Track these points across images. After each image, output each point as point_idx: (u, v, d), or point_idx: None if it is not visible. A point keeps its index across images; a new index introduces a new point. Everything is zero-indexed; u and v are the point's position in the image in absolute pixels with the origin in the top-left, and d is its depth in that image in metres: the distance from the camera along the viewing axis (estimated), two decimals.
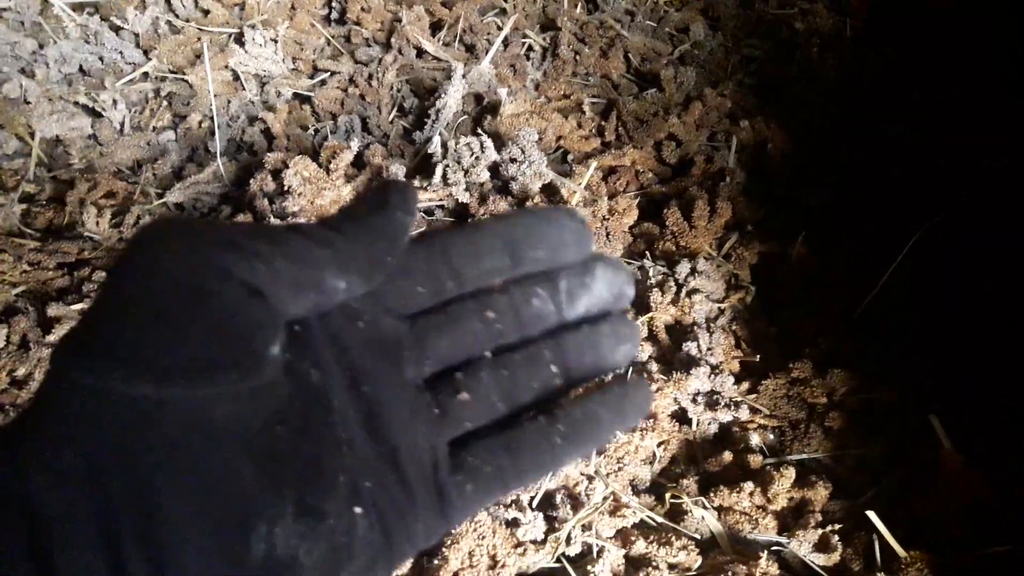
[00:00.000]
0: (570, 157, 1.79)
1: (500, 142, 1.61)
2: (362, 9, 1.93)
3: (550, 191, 1.57)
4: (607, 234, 1.56)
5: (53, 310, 1.36)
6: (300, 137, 1.76)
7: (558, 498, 1.23)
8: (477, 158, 1.56)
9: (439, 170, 1.55)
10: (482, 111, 1.75)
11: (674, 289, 1.48)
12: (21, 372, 1.33)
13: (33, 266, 1.43)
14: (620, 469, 1.26)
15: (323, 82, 1.85)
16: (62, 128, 1.68)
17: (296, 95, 1.84)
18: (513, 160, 1.55)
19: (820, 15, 2.14)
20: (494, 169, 1.59)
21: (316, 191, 1.51)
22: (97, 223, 1.51)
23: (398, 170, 1.56)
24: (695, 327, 1.44)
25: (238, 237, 0.40)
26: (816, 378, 1.40)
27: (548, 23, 2.09)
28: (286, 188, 1.49)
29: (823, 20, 2.14)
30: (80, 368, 0.36)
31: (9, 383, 1.32)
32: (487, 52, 1.92)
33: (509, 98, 1.69)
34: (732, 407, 1.35)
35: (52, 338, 1.34)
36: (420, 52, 1.94)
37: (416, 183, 1.57)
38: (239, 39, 1.84)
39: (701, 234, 1.59)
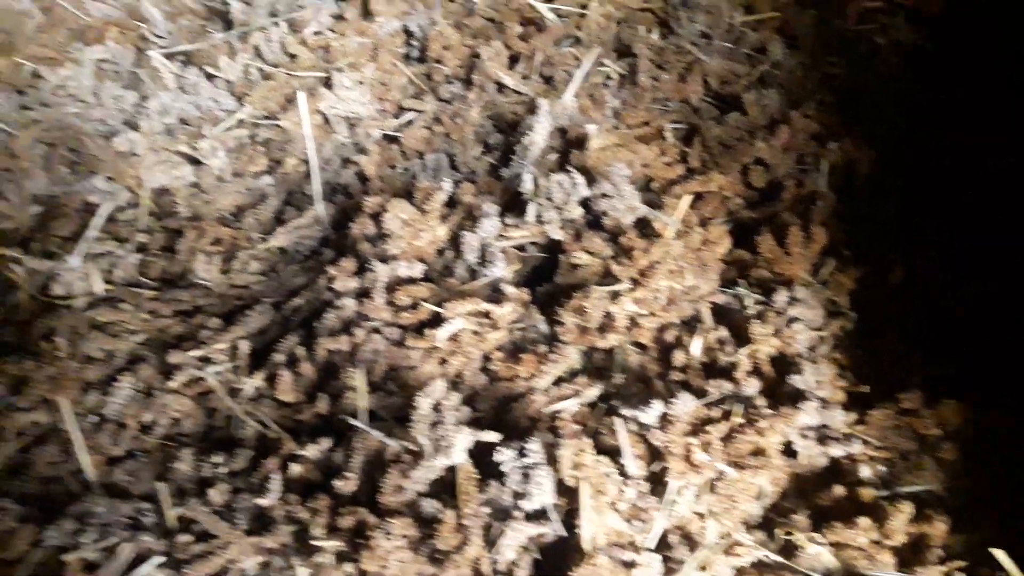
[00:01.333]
0: (654, 184, 1.80)
1: (589, 176, 1.63)
2: (443, 47, 1.97)
3: (642, 224, 1.57)
4: (701, 265, 1.56)
5: (174, 357, 1.42)
6: (391, 177, 1.80)
7: (673, 538, 1.24)
8: (568, 194, 1.58)
9: (532, 209, 1.58)
10: (568, 145, 1.77)
11: (775, 319, 1.48)
12: (147, 418, 1.39)
13: (151, 315, 1.49)
14: (733, 507, 1.26)
15: (410, 122, 1.89)
16: (167, 178, 1.75)
17: (384, 136, 1.88)
18: (605, 195, 1.57)
19: (902, 28, 2.11)
20: (585, 204, 1.61)
21: (414, 233, 1.55)
22: (207, 270, 1.57)
23: (490, 209, 1.59)
24: (799, 358, 1.43)
25: None
26: (927, 408, 1.38)
27: (624, 49, 2.09)
28: (386, 231, 1.53)
29: (905, 33, 2.11)
30: None
31: (137, 429, 1.38)
32: (565, 83, 1.94)
33: (596, 132, 1.70)
34: (844, 441, 1.34)
35: (173, 384, 1.41)
36: (500, 87, 1.97)
37: (508, 220, 1.60)
38: (327, 82, 1.89)
39: (796, 260, 1.59)
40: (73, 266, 1.51)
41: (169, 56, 1.99)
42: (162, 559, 1.20)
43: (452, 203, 1.66)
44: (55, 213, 1.61)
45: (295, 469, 1.27)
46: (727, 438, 1.28)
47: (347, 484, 1.23)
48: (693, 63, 2.03)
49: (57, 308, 1.47)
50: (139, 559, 1.20)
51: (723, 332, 1.48)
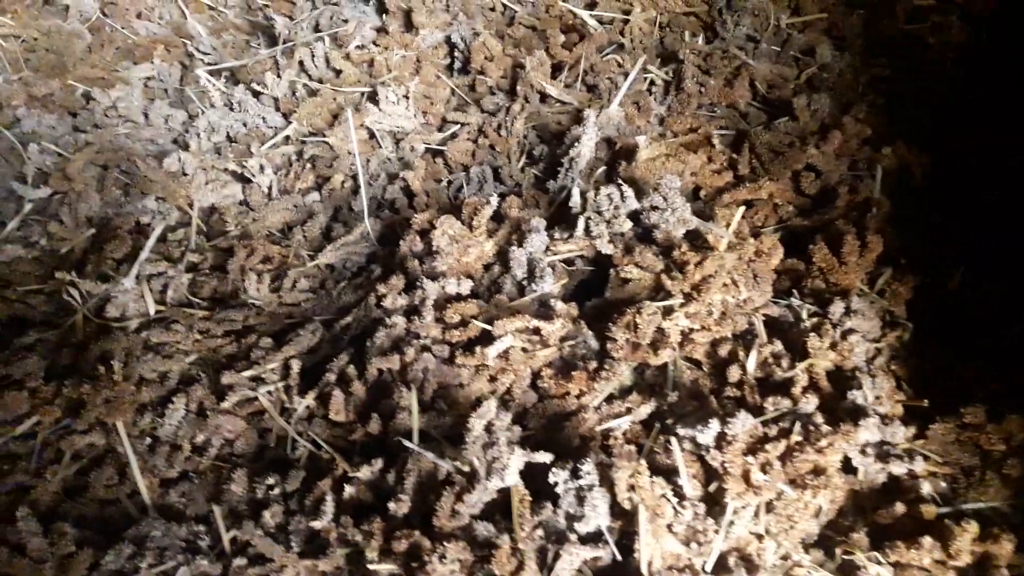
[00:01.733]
0: (702, 193, 1.77)
1: (638, 188, 1.60)
2: (486, 58, 1.96)
3: (694, 236, 1.55)
4: (754, 277, 1.53)
5: (227, 378, 1.43)
6: (437, 191, 1.80)
7: (731, 560, 1.21)
8: (617, 207, 1.56)
9: (581, 223, 1.56)
10: (615, 156, 1.75)
11: (831, 332, 1.44)
12: (201, 439, 1.40)
13: (203, 335, 1.51)
14: (791, 527, 1.23)
15: (454, 135, 1.89)
16: (217, 196, 1.77)
17: (429, 149, 1.88)
18: (655, 208, 1.54)
19: (954, 28, 2.05)
20: (634, 216, 1.58)
21: (462, 249, 1.54)
22: (258, 289, 1.58)
23: (537, 223, 1.57)
24: (857, 372, 1.40)
25: None
26: (991, 423, 1.34)
27: (668, 55, 2.07)
28: (434, 248, 1.53)
29: (957, 32, 2.05)
30: None
31: (191, 451, 1.39)
32: (610, 92, 1.92)
33: (645, 143, 1.68)
34: (905, 458, 1.31)
35: (226, 404, 1.42)
36: (544, 97, 1.95)
37: (556, 234, 1.58)
38: (372, 97, 1.89)
39: (852, 270, 1.55)
40: (127, 287, 1.53)
41: (215, 73, 2.01)
42: None
43: (498, 217, 1.65)
44: (108, 235, 1.64)
45: (348, 491, 1.27)
46: (785, 457, 1.25)
47: (401, 506, 1.22)
48: (740, 67, 1.99)
49: (112, 330, 1.49)
50: None
51: (778, 346, 1.45)
